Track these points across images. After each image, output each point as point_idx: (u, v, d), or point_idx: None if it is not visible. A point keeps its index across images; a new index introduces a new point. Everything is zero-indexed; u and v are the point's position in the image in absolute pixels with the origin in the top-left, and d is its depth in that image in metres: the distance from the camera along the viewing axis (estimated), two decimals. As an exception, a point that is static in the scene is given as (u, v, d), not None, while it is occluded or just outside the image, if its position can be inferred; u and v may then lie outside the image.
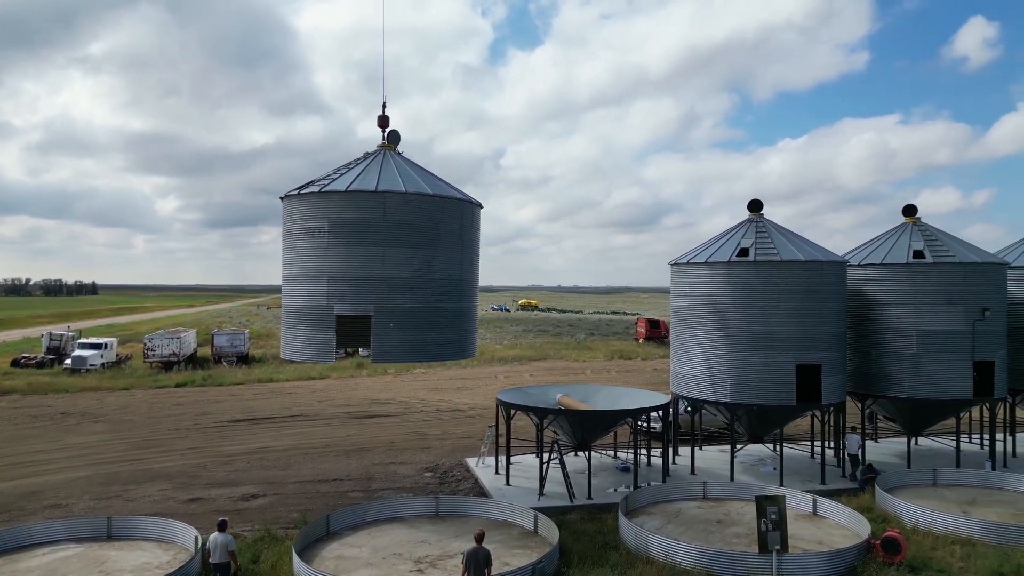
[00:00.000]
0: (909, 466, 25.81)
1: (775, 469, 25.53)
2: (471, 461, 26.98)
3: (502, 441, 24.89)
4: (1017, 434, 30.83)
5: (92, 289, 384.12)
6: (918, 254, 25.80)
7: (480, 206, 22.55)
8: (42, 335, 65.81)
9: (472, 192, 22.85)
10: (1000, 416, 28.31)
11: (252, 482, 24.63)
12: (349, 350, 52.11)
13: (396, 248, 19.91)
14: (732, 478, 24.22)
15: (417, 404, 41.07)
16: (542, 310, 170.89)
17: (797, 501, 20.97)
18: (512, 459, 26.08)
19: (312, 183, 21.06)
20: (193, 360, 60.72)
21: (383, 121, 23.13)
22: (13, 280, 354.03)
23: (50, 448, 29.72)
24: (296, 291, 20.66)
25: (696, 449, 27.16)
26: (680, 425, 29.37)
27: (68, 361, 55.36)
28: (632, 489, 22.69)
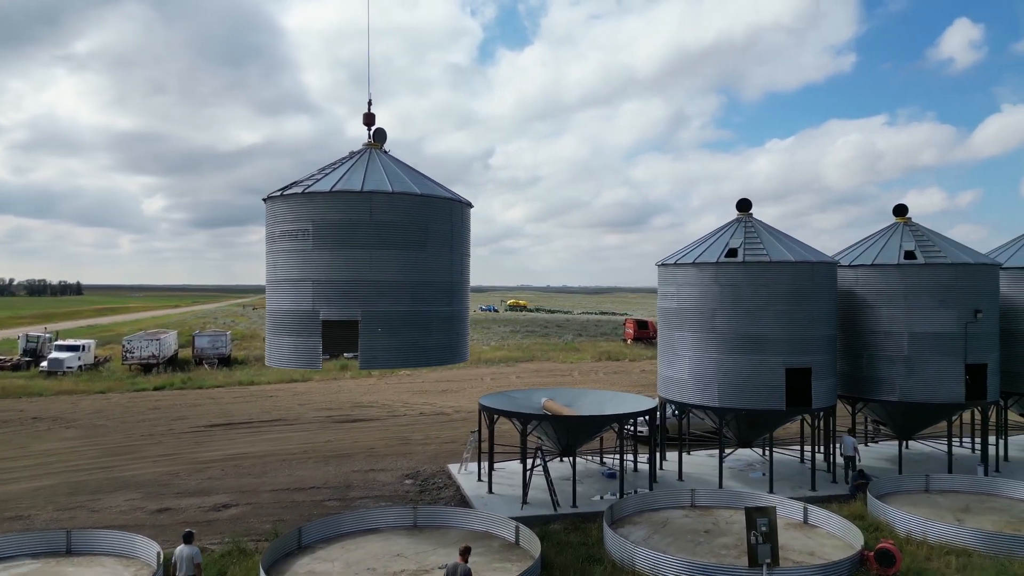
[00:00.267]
0: (900, 471, 25.27)
1: (764, 475, 24.94)
2: (453, 468, 26.21)
3: (485, 447, 24.14)
4: (1009, 438, 30.40)
5: (77, 289, 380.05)
6: (909, 255, 25.26)
7: (470, 206, 21.85)
8: (18, 337, 64.42)
9: (461, 192, 22.18)
10: (992, 419, 27.81)
11: (225, 491, 23.75)
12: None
13: (383, 250, 19.16)
14: (721, 485, 23.58)
15: (400, 407, 40.23)
16: (531, 310, 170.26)
17: (787, 509, 20.35)
18: (496, 465, 25.31)
19: (295, 184, 20.28)
20: (174, 362, 59.59)
21: (368, 119, 22.38)
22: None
23: (16, 455, 28.69)
24: (280, 296, 19.86)
25: (684, 454, 26.51)
26: (668, 429, 28.75)
27: (44, 364, 54.10)
28: (618, 497, 22.01)
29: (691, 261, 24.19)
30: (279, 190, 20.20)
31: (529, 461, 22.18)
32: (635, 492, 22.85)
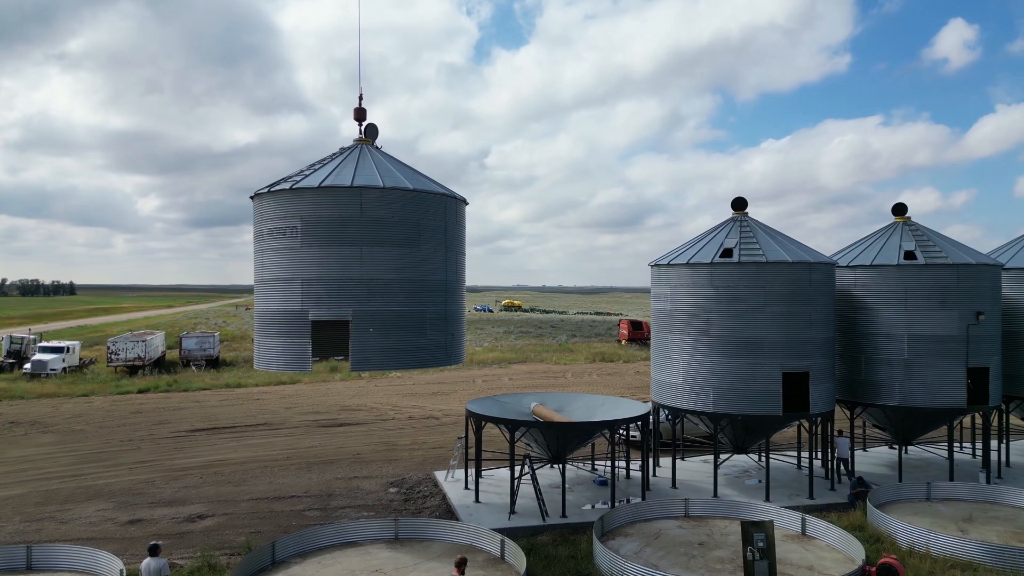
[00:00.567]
0: (900, 478, 24.52)
1: (760, 482, 24.18)
2: (440, 475, 25.37)
3: (472, 454, 23.34)
4: (1011, 443, 29.71)
5: (70, 289, 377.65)
6: (909, 255, 24.52)
7: (465, 202, 21.11)
8: (1, 338, 63.29)
9: (457, 192, 21.55)
10: (993, 424, 27.10)
11: (201, 500, 22.86)
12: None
13: (375, 247, 18.41)
14: (716, 493, 22.81)
15: (389, 411, 39.38)
16: (525, 311, 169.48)
17: (784, 520, 19.56)
18: (484, 472, 24.56)
19: (284, 180, 19.48)
20: (161, 364, 58.62)
21: (359, 114, 21.64)
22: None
23: (-11, 462, 27.78)
24: (268, 296, 19.10)
25: (678, 460, 25.70)
26: (661, 433, 27.98)
27: (28, 366, 53.03)
28: (609, 506, 21.22)
29: (685, 262, 23.41)
30: (267, 187, 19.43)
31: (517, 469, 21.38)
32: (627, 501, 22.08)
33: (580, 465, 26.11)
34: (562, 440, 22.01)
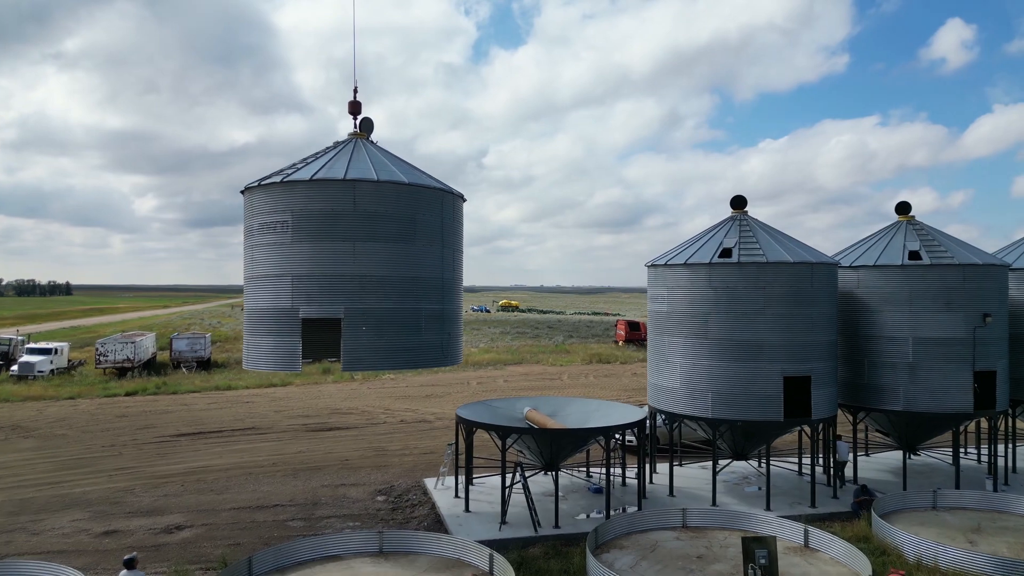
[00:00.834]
0: (905, 485, 23.74)
1: (760, 489, 23.41)
2: (430, 482, 24.56)
3: (462, 461, 22.54)
4: (1018, 448, 28.95)
5: (66, 290, 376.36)
6: (914, 255, 23.75)
7: (463, 198, 20.40)
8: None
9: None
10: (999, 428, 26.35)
11: (181, 509, 22.03)
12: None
13: (368, 243, 17.68)
14: (714, 501, 22.04)
15: (381, 414, 38.55)
16: (523, 311, 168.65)
17: (786, 531, 18.77)
18: (475, 480, 23.76)
19: (276, 173, 18.76)
20: (151, 366, 57.73)
21: (354, 107, 20.90)
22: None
23: (-35, 469, 26.92)
24: (258, 293, 18.37)
25: (675, 466, 24.90)
26: (658, 438, 27.18)
27: (15, 368, 52.12)
28: (604, 516, 20.43)
29: (682, 262, 22.62)
30: (257, 180, 18.68)
31: (509, 477, 20.58)
32: (623, 510, 21.30)
33: (574, 472, 25.32)
34: (555, 447, 21.23)
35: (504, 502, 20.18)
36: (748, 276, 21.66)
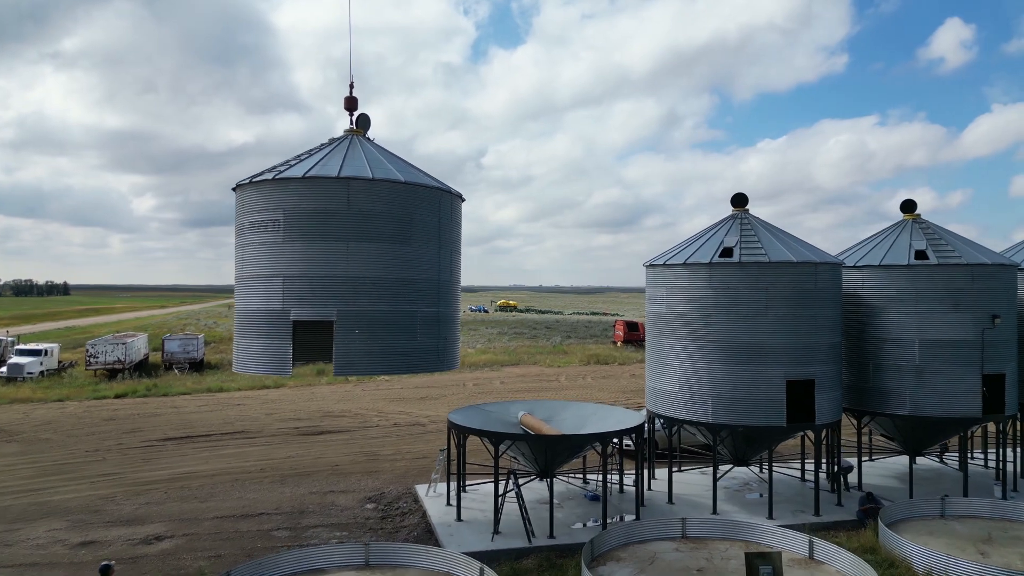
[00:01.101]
0: (911, 493, 23.01)
1: (762, 496, 22.69)
2: (421, 489, 23.79)
3: (455, 467, 21.79)
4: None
5: (64, 289, 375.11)
6: (920, 254, 23.02)
7: (461, 198, 19.70)
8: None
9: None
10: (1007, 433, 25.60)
11: (162, 518, 21.26)
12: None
13: (362, 243, 17.01)
14: (715, 509, 21.29)
15: (374, 417, 37.79)
16: (521, 311, 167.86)
17: (790, 542, 18.02)
18: (468, 487, 23.04)
19: (269, 170, 18.05)
20: (143, 367, 56.92)
21: (351, 103, 20.21)
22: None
23: (-57, 475, 26.14)
24: (249, 294, 17.68)
25: (674, 472, 24.14)
26: (657, 442, 26.43)
27: (3, 369, 51.33)
28: (600, 525, 19.68)
29: (682, 262, 21.88)
30: (249, 177, 17.96)
31: (502, 485, 19.83)
32: (620, 518, 20.54)
33: (570, 479, 24.57)
34: (550, 454, 20.46)
35: (497, 511, 19.43)
36: (750, 276, 20.93)
